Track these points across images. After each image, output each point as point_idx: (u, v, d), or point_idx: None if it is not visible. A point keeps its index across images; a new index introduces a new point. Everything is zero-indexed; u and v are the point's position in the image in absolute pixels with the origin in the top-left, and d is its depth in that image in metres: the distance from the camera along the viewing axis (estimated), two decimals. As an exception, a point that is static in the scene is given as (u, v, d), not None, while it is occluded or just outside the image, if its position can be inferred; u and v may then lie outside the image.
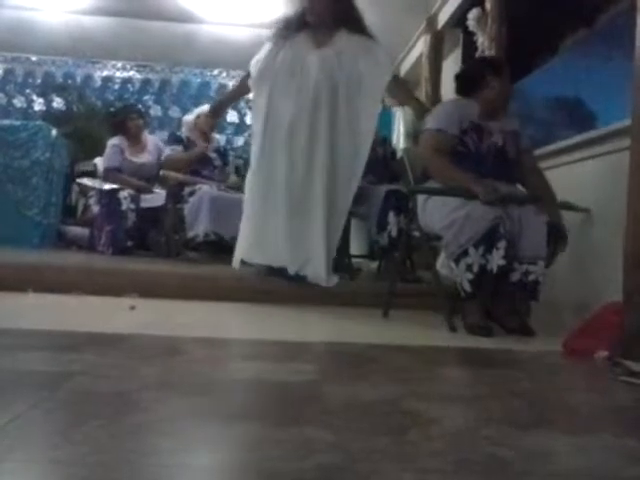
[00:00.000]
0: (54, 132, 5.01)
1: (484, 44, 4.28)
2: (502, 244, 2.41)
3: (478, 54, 4.37)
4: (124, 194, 4.61)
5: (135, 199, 4.62)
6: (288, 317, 2.77)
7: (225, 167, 4.81)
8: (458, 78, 2.98)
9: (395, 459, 1.04)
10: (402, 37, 6.18)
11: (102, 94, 7.65)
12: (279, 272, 3.14)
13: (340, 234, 3.18)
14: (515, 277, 2.50)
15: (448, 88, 5.02)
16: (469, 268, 2.45)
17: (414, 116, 3.30)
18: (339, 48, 3.16)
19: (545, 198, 2.71)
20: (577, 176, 3.06)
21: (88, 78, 7.73)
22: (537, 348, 2.29)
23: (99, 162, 5.17)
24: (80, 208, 5.23)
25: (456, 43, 5.74)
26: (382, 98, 3.50)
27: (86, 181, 5.11)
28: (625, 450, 1.18)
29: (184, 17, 6.16)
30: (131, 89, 7.77)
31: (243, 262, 3.27)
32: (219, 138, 5.22)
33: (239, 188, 4.48)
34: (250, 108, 3.64)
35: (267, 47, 3.27)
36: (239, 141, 7.61)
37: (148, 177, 4.85)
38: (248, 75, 3.37)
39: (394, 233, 3.41)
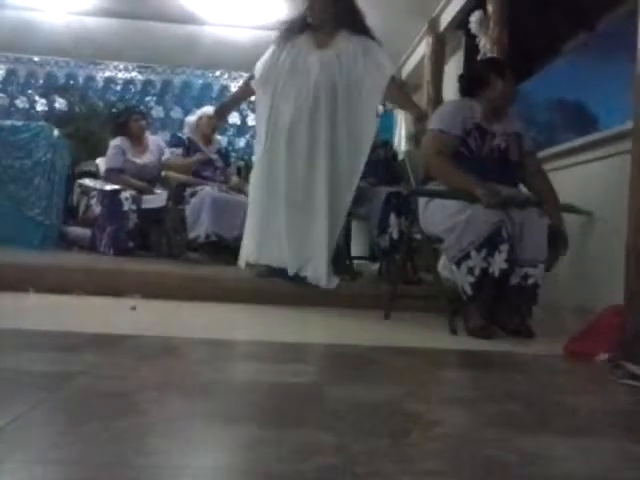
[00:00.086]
0: (56, 133, 5.01)
1: (486, 47, 4.28)
2: (505, 247, 2.41)
3: (480, 57, 4.37)
4: (126, 195, 4.61)
5: (137, 200, 4.62)
6: (289, 318, 2.77)
7: (227, 168, 4.81)
8: (462, 78, 2.98)
9: (395, 461, 1.04)
10: (404, 39, 6.18)
11: (104, 95, 7.65)
12: (279, 273, 3.15)
13: (339, 233, 3.17)
14: (514, 280, 2.50)
15: (450, 90, 5.03)
16: (470, 271, 2.45)
17: (412, 120, 3.29)
18: (340, 49, 3.17)
19: (548, 201, 2.70)
20: (580, 178, 3.06)
21: (90, 79, 7.73)
22: (538, 350, 2.29)
23: (101, 163, 5.17)
24: (82, 208, 5.22)
25: (458, 46, 5.75)
26: (383, 100, 3.50)
27: (88, 182, 5.11)
28: (625, 453, 1.18)
29: (186, 18, 6.16)
30: (133, 90, 7.77)
31: (248, 263, 3.28)
32: (221, 139, 5.22)
33: (240, 189, 4.49)
34: (252, 110, 3.65)
35: (271, 49, 3.30)
36: (241, 142, 7.61)
37: (150, 178, 4.86)
38: (251, 77, 3.38)
39: (395, 235, 3.41)
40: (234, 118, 7.36)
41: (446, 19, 5.37)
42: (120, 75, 7.76)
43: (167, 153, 4.74)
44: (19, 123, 5.29)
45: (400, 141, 6.58)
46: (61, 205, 5.01)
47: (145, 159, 4.91)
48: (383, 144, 4.51)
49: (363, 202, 3.67)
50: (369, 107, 3.20)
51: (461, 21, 5.06)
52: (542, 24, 4.96)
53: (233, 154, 6.23)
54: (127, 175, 4.81)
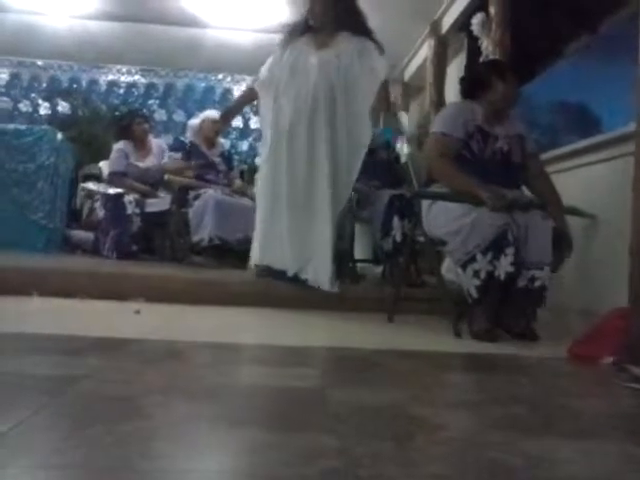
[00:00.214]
0: (59, 136, 5.03)
1: (488, 49, 4.29)
2: (510, 250, 2.40)
3: (482, 59, 4.37)
4: (129, 198, 4.62)
5: (140, 203, 4.63)
6: (293, 322, 2.77)
7: (229, 172, 4.82)
8: (463, 81, 2.98)
9: (399, 464, 1.03)
10: (406, 42, 6.18)
11: (107, 98, 7.67)
12: (279, 274, 3.15)
13: (345, 239, 3.18)
14: (521, 283, 2.49)
15: (452, 93, 5.02)
16: (476, 274, 2.44)
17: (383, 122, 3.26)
18: (339, 50, 3.18)
19: (551, 203, 2.69)
20: (583, 181, 3.06)
21: (93, 82, 7.76)
22: (542, 354, 2.28)
23: (104, 166, 5.19)
24: (85, 212, 5.23)
25: (460, 48, 5.75)
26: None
27: (91, 185, 5.12)
28: (629, 456, 1.18)
29: (189, 22, 6.17)
30: (136, 93, 7.79)
31: (255, 265, 3.29)
32: (224, 142, 5.22)
33: (244, 192, 4.50)
34: (255, 113, 3.66)
35: (275, 52, 3.32)
36: (244, 145, 7.63)
37: (153, 181, 4.86)
38: (256, 81, 3.40)
39: (398, 238, 3.41)
40: (237, 121, 7.38)
41: (448, 21, 5.37)
42: (123, 78, 7.79)
43: (166, 157, 4.76)
44: (22, 127, 5.31)
45: (402, 143, 6.56)
46: (64, 209, 5.03)
47: (148, 162, 4.92)
48: (385, 146, 4.51)
49: (366, 205, 3.67)
50: (365, 108, 3.20)
51: (463, 23, 5.07)
52: (544, 26, 4.95)
53: (236, 157, 6.23)
54: (130, 179, 4.82)
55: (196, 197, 4.22)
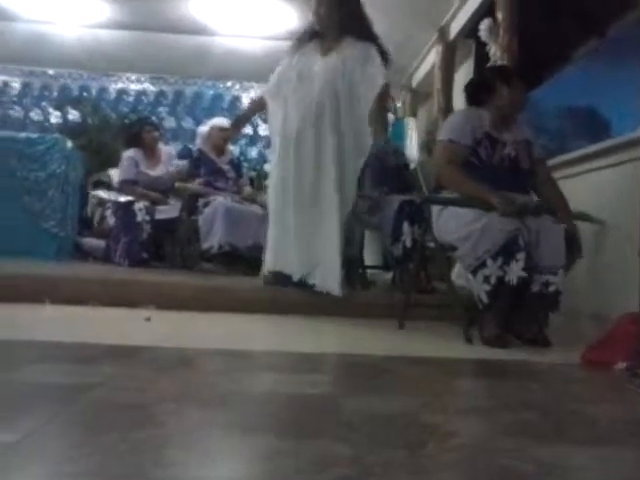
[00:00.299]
0: (70, 145, 5.06)
1: (496, 54, 4.28)
2: (521, 256, 2.39)
3: (490, 64, 4.37)
4: (139, 206, 4.64)
5: (150, 211, 4.65)
6: (303, 328, 2.77)
7: (239, 179, 4.83)
8: (468, 87, 2.98)
9: (411, 472, 1.03)
10: (414, 48, 6.19)
11: (117, 106, 7.72)
12: (287, 281, 3.15)
13: (355, 245, 3.18)
14: (535, 288, 2.47)
15: (460, 99, 5.02)
16: (487, 279, 2.43)
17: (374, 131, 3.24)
18: (344, 55, 3.18)
19: (559, 208, 2.69)
20: (592, 185, 3.05)
21: (103, 90, 7.81)
22: (554, 359, 2.27)
23: (114, 174, 5.21)
24: (96, 219, 5.26)
25: (468, 53, 5.75)
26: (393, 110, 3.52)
27: (102, 193, 5.15)
28: (644, 463, 1.17)
29: (197, 30, 6.21)
30: (145, 101, 7.84)
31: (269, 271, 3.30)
32: (233, 150, 5.25)
33: (254, 200, 4.51)
34: (264, 120, 3.67)
35: (284, 60, 3.33)
36: (253, 152, 7.65)
37: (163, 189, 4.88)
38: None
39: (408, 244, 3.41)
40: (246, 128, 7.40)
41: (456, 27, 5.38)
42: (132, 86, 7.84)
43: (174, 164, 4.78)
44: (34, 135, 5.35)
45: (412, 149, 6.57)
46: (75, 217, 5.06)
47: (158, 170, 4.94)
48: (394, 152, 4.51)
49: (376, 211, 3.67)
50: (366, 113, 3.20)
51: (471, 29, 5.07)
52: (552, 31, 4.95)
53: (245, 164, 6.25)
54: (141, 186, 4.84)
55: (206, 204, 4.23)
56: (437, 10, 5.34)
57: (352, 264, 3.39)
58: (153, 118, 6.40)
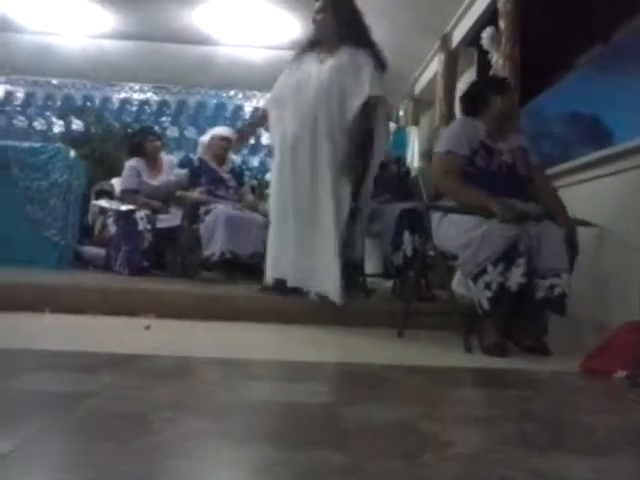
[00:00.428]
0: (72, 154, 5.09)
1: (498, 62, 4.29)
2: (522, 261, 2.39)
3: (492, 72, 4.38)
4: (140, 215, 4.64)
5: (151, 220, 4.65)
6: (302, 337, 2.76)
7: (240, 187, 4.84)
8: (463, 99, 3.01)
9: (409, 482, 1.03)
10: (417, 56, 6.22)
11: (120, 116, 7.77)
12: (284, 288, 3.15)
13: (341, 242, 3.12)
14: (540, 294, 2.46)
15: (462, 107, 5.03)
16: (487, 286, 2.43)
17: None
18: (338, 63, 3.17)
19: (558, 213, 2.69)
20: (594, 193, 3.04)
21: (106, 100, 7.86)
22: (553, 368, 2.25)
23: (116, 183, 5.23)
24: (98, 228, 5.28)
25: (470, 62, 5.76)
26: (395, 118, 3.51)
27: (103, 203, 5.16)
28: (644, 473, 1.16)
29: (200, 39, 6.24)
30: (148, 110, 7.89)
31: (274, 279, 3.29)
32: (235, 159, 5.26)
33: (255, 208, 4.51)
34: (266, 129, 3.69)
35: (286, 69, 3.35)
36: (254, 161, 7.67)
37: (165, 198, 4.89)
38: None
39: (409, 252, 3.40)
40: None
41: (458, 36, 5.40)
42: (136, 96, 7.89)
43: (172, 176, 4.80)
44: (37, 145, 5.39)
45: (413, 157, 6.59)
46: (77, 225, 5.07)
47: (160, 180, 4.95)
48: (396, 160, 4.52)
49: (376, 219, 3.67)
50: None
51: (473, 37, 5.08)
52: (554, 39, 4.96)
53: (247, 173, 6.27)
54: (142, 196, 4.85)
55: (207, 212, 4.24)
56: (439, 18, 5.37)
57: (353, 270, 3.38)
58: (156, 128, 6.43)
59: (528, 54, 4.23)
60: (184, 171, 4.68)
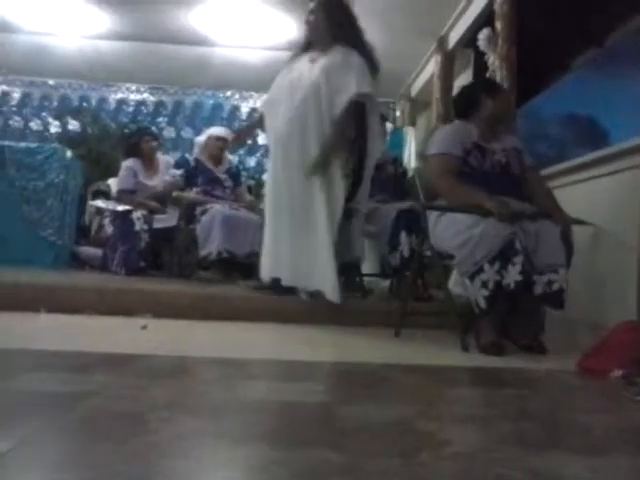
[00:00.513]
0: (69, 154, 5.08)
1: (495, 64, 4.30)
2: (518, 259, 2.40)
3: (489, 74, 4.39)
4: (137, 215, 4.64)
5: (148, 220, 4.65)
6: (299, 336, 2.76)
7: (237, 187, 4.84)
8: (455, 102, 3.04)
9: (406, 480, 1.03)
10: (414, 58, 6.22)
11: (116, 116, 7.76)
12: (279, 287, 3.15)
13: (335, 240, 3.10)
14: (538, 290, 2.47)
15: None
16: (484, 285, 2.44)
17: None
18: (330, 63, 3.15)
19: (553, 211, 2.70)
20: (590, 193, 3.05)
21: (103, 101, 7.85)
22: (550, 367, 2.26)
23: (113, 183, 5.22)
24: (94, 228, 5.27)
25: (467, 63, 5.77)
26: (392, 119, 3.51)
27: (100, 203, 5.15)
28: (639, 471, 1.17)
29: (197, 40, 6.24)
30: (145, 111, 7.88)
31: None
32: (232, 159, 5.26)
33: (253, 207, 4.51)
34: (263, 129, 3.70)
35: (282, 70, 3.35)
36: (251, 162, 7.67)
37: (162, 199, 4.88)
38: None
39: (406, 253, 3.41)
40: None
41: (455, 37, 5.40)
42: (132, 96, 7.88)
43: (168, 177, 4.80)
44: (33, 145, 5.39)
45: (410, 158, 6.60)
46: (73, 225, 5.06)
47: (156, 180, 4.94)
48: (392, 161, 4.53)
49: (373, 219, 3.67)
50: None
51: (470, 39, 5.09)
52: (550, 40, 4.97)
53: (244, 173, 6.27)
54: (139, 196, 4.85)
55: (203, 212, 4.24)
56: (436, 20, 5.37)
57: (351, 270, 3.38)
58: (153, 128, 6.42)
59: (524, 55, 4.23)
60: (179, 172, 4.68)
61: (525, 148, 2.95)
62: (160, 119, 7.84)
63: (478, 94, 2.86)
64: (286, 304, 3.15)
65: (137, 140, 5.05)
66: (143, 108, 7.87)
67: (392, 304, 3.17)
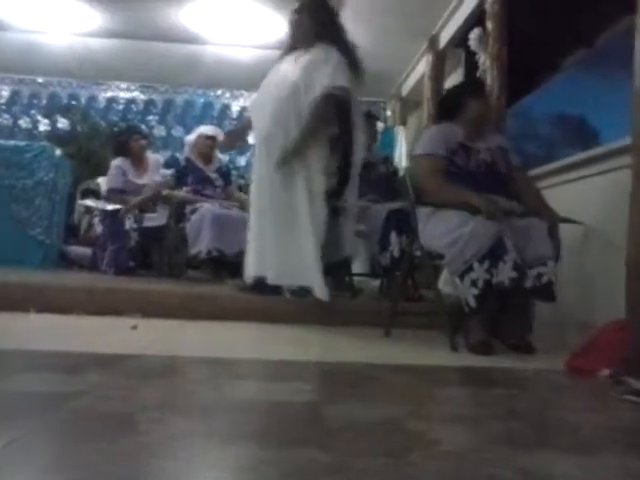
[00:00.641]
0: (58, 153, 5.05)
1: (485, 63, 4.31)
2: (509, 257, 2.41)
3: (480, 74, 4.40)
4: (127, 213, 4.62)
5: (138, 218, 4.63)
6: (288, 336, 2.76)
7: (227, 187, 4.83)
8: (440, 104, 3.07)
9: (394, 480, 1.03)
10: (405, 57, 6.22)
11: (106, 115, 7.72)
12: (264, 287, 3.14)
13: (320, 237, 3.09)
14: (529, 283, 2.49)
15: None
16: (474, 283, 2.45)
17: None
18: (312, 60, 3.14)
19: (540, 208, 2.73)
20: (580, 193, 3.07)
21: (92, 99, 7.80)
22: (538, 366, 2.27)
23: (102, 182, 5.20)
24: (84, 227, 5.25)
25: (458, 63, 5.79)
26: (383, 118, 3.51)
27: (89, 202, 5.13)
28: (628, 470, 1.17)
29: (188, 38, 6.21)
30: (135, 109, 7.84)
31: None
32: (222, 158, 5.24)
33: (244, 206, 4.50)
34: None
35: (271, 70, 3.35)
36: (242, 161, 7.65)
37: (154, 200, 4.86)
38: None
39: (396, 253, 3.41)
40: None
41: (446, 37, 5.41)
42: (122, 95, 7.84)
43: (158, 177, 4.78)
44: (22, 143, 5.34)
45: (401, 157, 6.61)
46: (62, 224, 5.04)
47: (145, 179, 4.92)
48: (383, 160, 4.53)
49: (364, 219, 3.67)
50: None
51: (461, 39, 5.10)
52: (541, 40, 4.99)
53: (234, 172, 6.25)
54: (128, 195, 4.83)
55: (193, 211, 4.23)
56: (427, 20, 5.38)
57: (340, 269, 3.38)
58: (143, 127, 6.40)
59: (515, 55, 4.25)
60: (169, 172, 4.67)
61: (512, 147, 2.98)
62: (150, 117, 7.80)
63: (462, 95, 2.91)
64: (275, 304, 3.15)
65: (126, 139, 5.03)
66: (133, 106, 7.83)
67: (382, 304, 3.17)
